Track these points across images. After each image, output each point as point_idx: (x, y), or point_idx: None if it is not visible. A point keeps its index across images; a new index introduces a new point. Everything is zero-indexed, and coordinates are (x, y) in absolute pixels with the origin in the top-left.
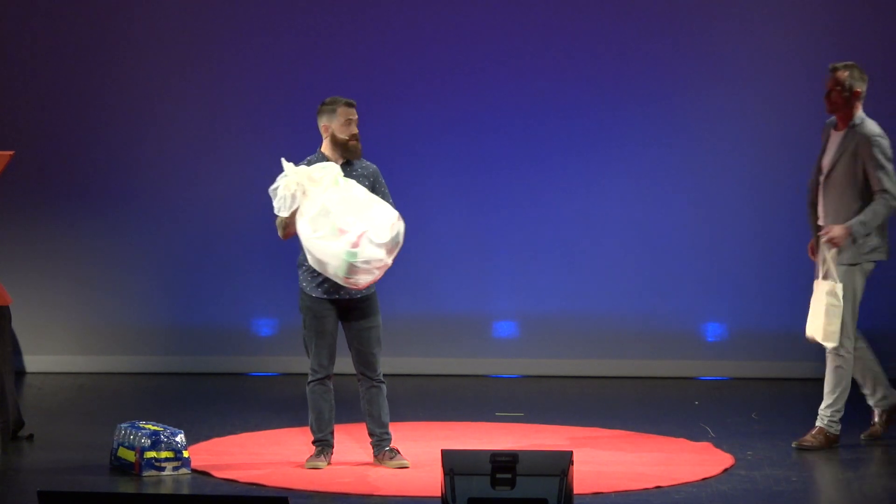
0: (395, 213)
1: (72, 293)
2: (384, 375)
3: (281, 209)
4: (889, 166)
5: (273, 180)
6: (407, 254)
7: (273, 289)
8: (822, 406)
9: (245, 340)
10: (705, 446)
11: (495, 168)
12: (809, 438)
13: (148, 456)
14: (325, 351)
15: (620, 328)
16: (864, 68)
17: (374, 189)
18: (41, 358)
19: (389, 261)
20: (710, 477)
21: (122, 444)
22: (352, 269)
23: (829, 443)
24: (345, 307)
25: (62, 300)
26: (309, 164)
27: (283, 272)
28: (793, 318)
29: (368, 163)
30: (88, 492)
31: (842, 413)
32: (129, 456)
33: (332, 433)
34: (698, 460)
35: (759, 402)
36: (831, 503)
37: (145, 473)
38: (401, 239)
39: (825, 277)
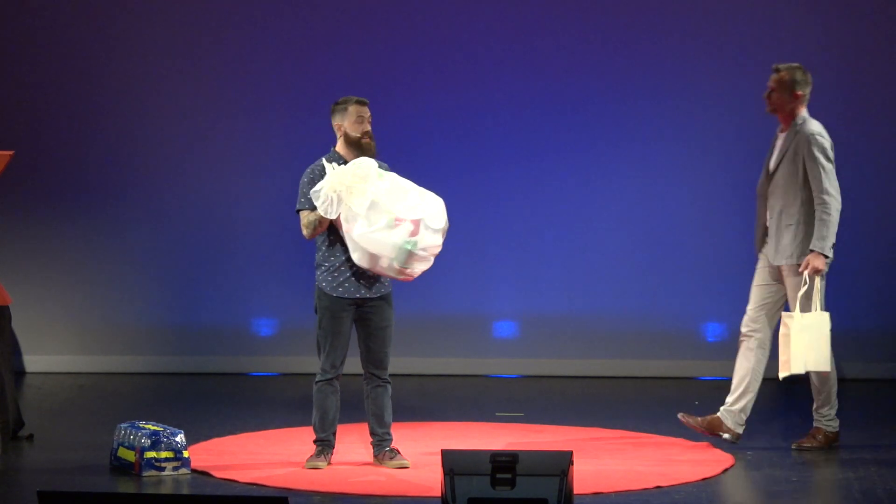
0: (440, 198)
1: (72, 293)
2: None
3: (329, 212)
4: (829, 166)
5: (273, 180)
6: None
7: (273, 289)
8: (815, 406)
9: (245, 340)
10: (705, 446)
11: (495, 168)
12: (808, 440)
13: (148, 456)
14: (338, 352)
15: (620, 328)
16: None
17: None
18: (41, 358)
19: (440, 245)
20: (710, 477)
21: (122, 444)
22: (410, 257)
23: (829, 441)
24: (363, 306)
25: (62, 300)
26: (327, 163)
27: (283, 272)
28: None
29: (381, 162)
30: (88, 492)
31: (836, 408)
32: (129, 456)
33: (334, 433)
34: (698, 460)
35: (759, 402)
36: (831, 503)
37: (145, 473)
38: (447, 224)
39: (803, 309)
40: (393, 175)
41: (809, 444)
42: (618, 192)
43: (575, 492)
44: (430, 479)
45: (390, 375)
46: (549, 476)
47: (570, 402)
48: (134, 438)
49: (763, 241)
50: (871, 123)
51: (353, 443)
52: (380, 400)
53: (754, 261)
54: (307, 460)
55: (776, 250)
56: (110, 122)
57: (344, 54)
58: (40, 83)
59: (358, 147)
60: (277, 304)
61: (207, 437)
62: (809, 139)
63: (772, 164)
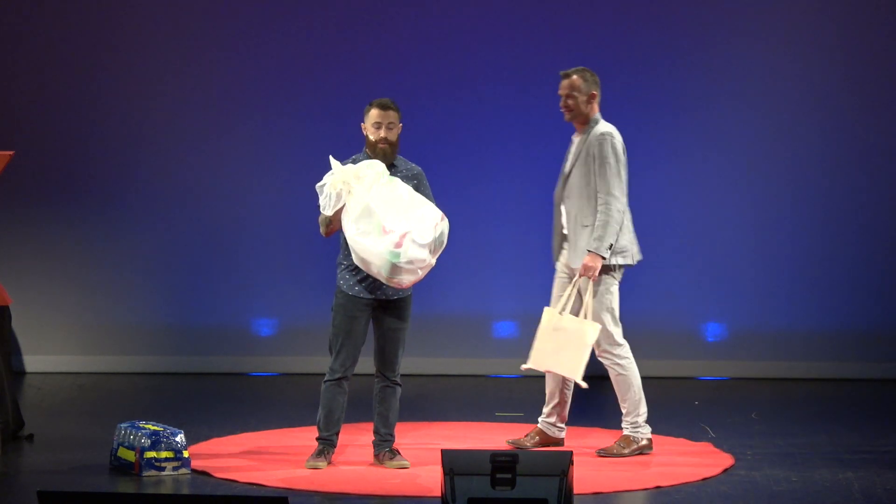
0: (440, 213)
1: (72, 293)
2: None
3: (326, 207)
4: (615, 166)
5: (274, 180)
6: None
7: (273, 289)
8: (623, 413)
9: (245, 340)
10: (705, 446)
11: (495, 168)
12: (615, 446)
13: (148, 456)
14: (349, 353)
15: None
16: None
17: (417, 191)
18: (41, 358)
19: (433, 261)
20: (710, 477)
21: (122, 444)
22: (395, 269)
23: (639, 450)
24: (381, 306)
25: (62, 300)
26: (354, 162)
27: (284, 272)
28: (793, 318)
29: (413, 164)
30: (88, 492)
31: (644, 416)
32: (129, 456)
33: (337, 434)
34: (698, 460)
35: (759, 402)
36: (831, 503)
37: (145, 473)
38: (444, 239)
39: (574, 312)
40: (397, 182)
41: (614, 451)
42: None
43: (575, 492)
44: (430, 479)
45: (401, 375)
46: (549, 476)
47: (575, 403)
48: (134, 438)
49: (560, 249)
50: (871, 123)
51: (352, 443)
52: (388, 401)
53: (754, 261)
54: (308, 459)
55: (574, 253)
56: (111, 122)
57: (348, 57)
58: (40, 83)
59: (374, 152)
60: (277, 304)
61: (207, 437)
62: (599, 138)
63: (566, 168)
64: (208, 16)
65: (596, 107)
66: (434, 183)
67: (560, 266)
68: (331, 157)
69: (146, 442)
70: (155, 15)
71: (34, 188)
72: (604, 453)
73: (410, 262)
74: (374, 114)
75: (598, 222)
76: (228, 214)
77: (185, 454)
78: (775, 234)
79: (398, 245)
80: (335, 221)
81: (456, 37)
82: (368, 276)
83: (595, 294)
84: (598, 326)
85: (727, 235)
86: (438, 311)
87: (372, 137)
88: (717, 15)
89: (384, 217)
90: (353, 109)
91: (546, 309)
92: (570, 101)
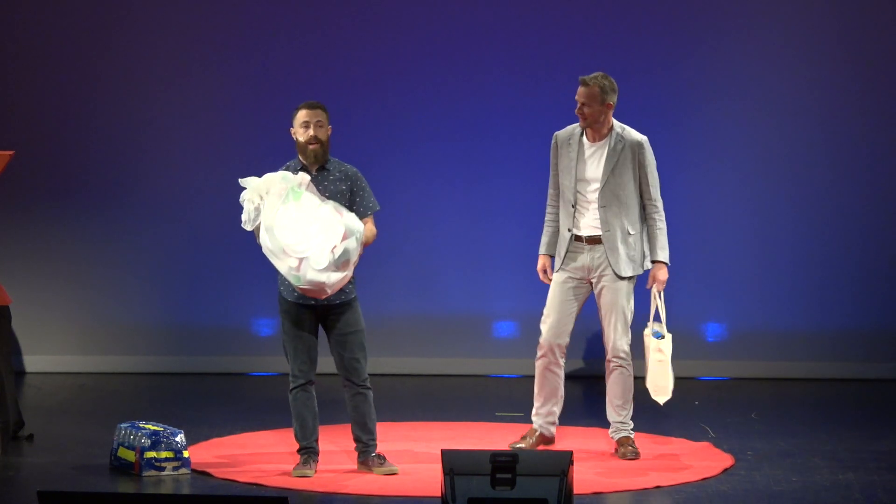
0: (342, 230)
1: (72, 293)
2: (386, 376)
3: (246, 222)
4: (656, 172)
5: None
6: (407, 254)
7: (273, 289)
8: (623, 416)
9: (245, 340)
10: (705, 446)
11: (495, 168)
12: (629, 450)
13: (148, 456)
14: (303, 355)
15: None
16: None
17: (352, 193)
18: (41, 358)
19: (341, 275)
20: (710, 477)
21: (122, 444)
22: (301, 288)
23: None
24: (322, 313)
25: (62, 300)
26: (287, 170)
27: None
28: (793, 318)
29: (348, 166)
30: (88, 492)
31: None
32: (129, 456)
33: (316, 440)
34: (698, 460)
35: (759, 402)
36: (831, 503)
37: (145, 473)
38: (351, 255)
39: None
40: (305, 199)
41: (629, 455)
42: None
43: (575, 492)
44: (430, 479)
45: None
46: (549, 476)
47: (570, 402)
48: (134, 438)
49: (567, 253)
50: (871, 123)
51: (352, 443)
52: (361, 408)
53: (754, 261)
54: (294, 469)
55: (618, 260)
56: (111, 122)
57: (346, 56)
58: (40, 83)
59: (304, 153)
60: (277, 304)
61: (207, 437)
62: (639, 146)
63: (594, 175)
64: (207, 17)
65: (611, 114)
66: (434, 183)
67: (566, 271)
68: (240, 180)
69: (146, 442)
70: (154, 16)
71: (34, 188)
72: (628, 457)
73: (311, 283)
74: (302, 114)
75: (658, 231)
76: (229, 214)
77: (185, 454)
78: (775, 234)
79: (297, 269)
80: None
81: (456, 36)
82: None
83: (629, 301)
84: (669, 336)
85: (727, 236)
86: (438, 311)
87: (302, 139)
88: (717, 15)
89: (284, 239)
90: (353, 109)
91: (659, 341)
92: (586, 110)
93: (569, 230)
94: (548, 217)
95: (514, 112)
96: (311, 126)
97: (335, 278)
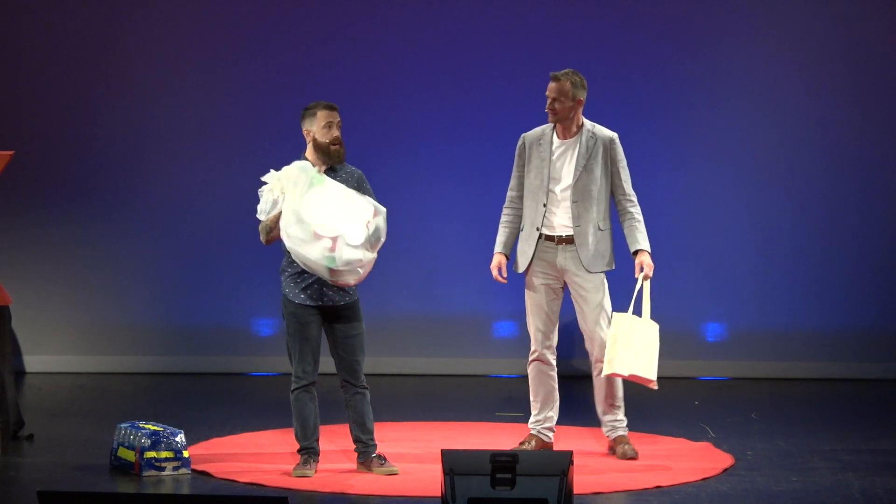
0: (371, 209)
1: (72, 293)
2: (386, 376)
3: (261, 212)
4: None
5: None
6: (407, 254)
7: (273, 289)
8: (620, 416)
9: (245, 340)
10: (705, 446)
11: (495, 168)
12: (628, 449)
13: (148, 456)
14: (308, 357)
15: None
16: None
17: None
18: (41, 358)
19: (373, 255)
20: (710, 477)
21: (122, 444)
22: (333, 272)
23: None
24: (328, 313)
25: (62, 300)
26: None
27: None
28: (793, 318)
29: (353, 168)
30: (88, 492)
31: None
32: (129, 456)
33: (317, 440)
34: (698, 460)
35: (759, 402)
36: (831, 503)
37: (145, 473)
38: (381, 234)
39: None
40: (328, 183)
41: (629, 453)
42: None
43: (575, 492)
44: (430, 479)
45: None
46: (549, 476)
47: (570, 402)
48: (134, 438)
49: (534, 252)
50: (871, 123)
51: (351, 443)
52: (359, 407)
53: (754, 261)
54: (294, 469)
55: (589, 256)
56: (111, 123)
57: (347, 57)
58: (40, 83)
59: (326, 154)
60: (277, 304)
61: (207, 437)
62: (612, 143)
63: (566, 173)
64: (208, 18)
65: (580, 111)
66: (434, 183)
67: (539, 274)
68: (270, 172)
69: (146, 442)
70: (155, 17)
71: (34, 188)
72: (627, 456)
73: (347, 263)
74: (323, 114)
75: (637, 223)
76: (229, 214)
77: (185, 454)
78: (775, 234)
79: (332, 249)
80: (276, 229)
81: (457, 39)
82: (312, 283)
83: (604, 296)
84: (657, 326)
85: (727, 235)
86: (438, 311)
87: (325, 139)
88: (716, 15)
89: (315, 222)
90: (352, 110)
91: (616, 315)
92: (556, 105)
93: (537, 230)
94: (506, 217)
95: (514, 114)
96: (334, 126)
97: (369, 257)
